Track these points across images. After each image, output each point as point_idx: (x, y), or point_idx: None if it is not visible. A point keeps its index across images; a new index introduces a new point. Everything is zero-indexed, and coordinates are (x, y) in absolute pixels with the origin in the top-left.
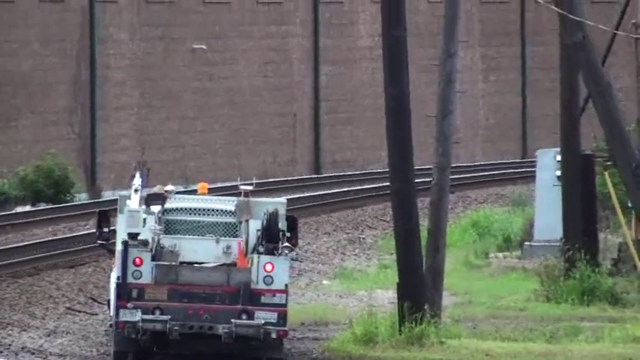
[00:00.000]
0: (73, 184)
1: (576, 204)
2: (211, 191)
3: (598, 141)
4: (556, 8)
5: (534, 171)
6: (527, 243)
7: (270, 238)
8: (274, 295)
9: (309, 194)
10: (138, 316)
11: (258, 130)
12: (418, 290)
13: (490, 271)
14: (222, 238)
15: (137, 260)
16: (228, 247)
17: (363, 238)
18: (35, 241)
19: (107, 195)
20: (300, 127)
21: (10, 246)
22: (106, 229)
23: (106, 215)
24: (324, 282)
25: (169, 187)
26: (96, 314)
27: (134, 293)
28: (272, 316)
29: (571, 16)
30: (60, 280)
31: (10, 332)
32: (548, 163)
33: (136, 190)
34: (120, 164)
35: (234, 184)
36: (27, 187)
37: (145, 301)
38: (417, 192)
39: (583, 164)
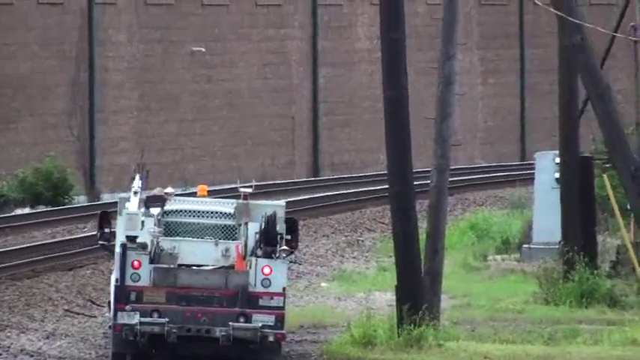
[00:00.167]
0: (71, 186)
1: (575, 206)
2: (211, 194)
3: (597, 143)
4: (555, 10)
5: (533, 173)
6: (525, 245)
7: (268, 241)
8: (272, 298)
9: (307, 197)
10: (136, 318)
11: (256, 133)
12: (417, 293)
13: (489, 274)
14: (221, 240)
15: (135, 263)
16: (227, 250)
17: (362, 241)
18: (34, 244)
19: (106, 198)
20: (298, 130)
21: (9, 248)
22: (107, 230)
23: (107, 216)
24: (323, 284)
25: (169, 190)
26: (95, 317)
27: (132, 296)
28: (270, 319)
29: (570, 19)
30: (59, 283)
31: (8, 334)
32: (547, 165)
33: (135, 193)
34: (119, 167)
35: (233, 186)
36: (26, 190)
37: (144, 303)
38: (415, 194)
39: (582, 167)
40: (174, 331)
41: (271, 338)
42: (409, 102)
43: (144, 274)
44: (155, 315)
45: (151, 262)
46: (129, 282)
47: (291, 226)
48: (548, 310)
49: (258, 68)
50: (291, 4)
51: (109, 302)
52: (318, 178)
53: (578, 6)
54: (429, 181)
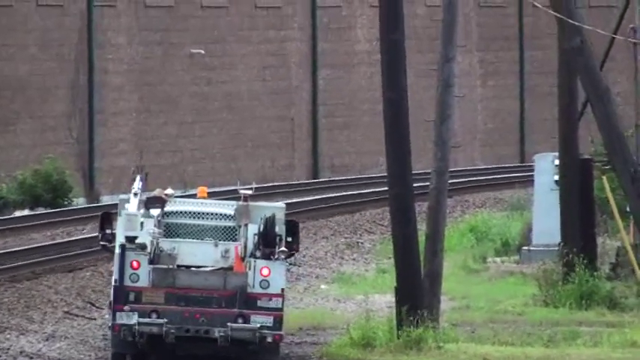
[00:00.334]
0: (71, 188)
1: (574, 208)
2: (210, 196)
3: (596, 145)
4: (554, 13)
5: (532, 175)
6: (525, 247)
7: (267, 243)
8: (270, 299)
9: (307, 199)
10: (134, 319)
11: (256, 135)
12: (416, 294)
13: (488, 276)
14: (221, 242)
15: (134, 263)
16: (227, 251)
17: (362, 243)
18: (33, 246)
19: (105, 199)
20: (298, 132)
21: (8, 250)
22: (108, 231)
23: (109, 218)
24: (322, 286)
25: (169, 191)
26: (94, 319)
27: (131, 296)
28: (268, 320)
29: (569, 21)
30: (58, 285)
31: (8, 336)
32: (547, 167)
33: (135, 194)
34: (118, 169)
35: (232, 188)
36: (25, 192)
37: (142, 304)
38: (415, 196)
39: (581, 169)
40: (172, 331)
41: (269, 339)
42: (408, 104)
43: (143, 274)
44: (154, 315)
45: (151, 262)
46: (128, 282)
47: (292, 229)
48: (547, 312)
49: (257, 70)
50: (291, 5)
51: (110, 303)
52: (317, 180)
53: (578, 8)
54: (428, 183)
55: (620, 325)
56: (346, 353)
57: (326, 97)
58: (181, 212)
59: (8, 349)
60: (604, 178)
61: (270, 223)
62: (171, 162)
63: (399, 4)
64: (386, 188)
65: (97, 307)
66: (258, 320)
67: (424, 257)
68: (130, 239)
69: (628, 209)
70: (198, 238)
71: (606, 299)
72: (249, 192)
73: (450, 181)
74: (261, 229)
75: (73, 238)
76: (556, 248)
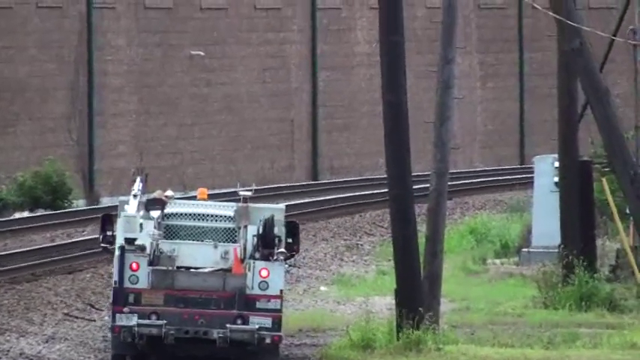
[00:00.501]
0: (70, 190)
1: (574, 210)
2: (211, 197)
3: (596, 147)
4: (554, 14)
5: (532, 177)
6: (524, 249)
7: (266, 244)
8: (269, 301)
9: (307, 200)
10: (134, 320)
11: (256, 137)
12: (416, 296)
13: (488, 277)
14: (221, 243)
15: (134, 265)
16: (226, 253)
17: (361, 245)
18: (33, 247)
19: (105, 201)
20: (297, 134)
21: (8, 252)
22: (109, 233)
23: (110, 219)
24: (322, 288)
25: (169, 193)
26: (94, 320)
27: (131, 298)
28: (266, 322)
29: (569, 23)
30: (58, 286)
31: (8, 338)
32: (546, 169)
33: (134, 196)
34: (118, 170)
35: (232, 190)
36: (25, 194)
37: (142, 305)
38: (414, 198)
39: (581, 170)
40: (171, 332)
41: (268, 340)
42: (408, 105)
43: (142, 276)
44: (153, 317)
45: (150, 264)
46: (127, 284)
47: (292, 230)
48: (547, 313)
49: (257, 72)
50: (290, 7)
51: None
52: (317, 182)
53: (577, 10)
54: (428, 185)
55: (620, 327)
56: (346, 355)
57: (326, 98)
58: (181, 214)
59: (8, 350)
60: (604, 179)
61: (269, 224)
62: (171, 164)
63: (398, 6)
64: (385, 190)
65: (97, 309)
66: (256, 321)
67: (424, 259)
68: (130, 241)
69: (628, 211)
70: (198, 240)
71: (606, 301)
72: (249, 194)
73: (449, 183)
74: (260, 231)
75: (73, 240)
76: (556, 250)
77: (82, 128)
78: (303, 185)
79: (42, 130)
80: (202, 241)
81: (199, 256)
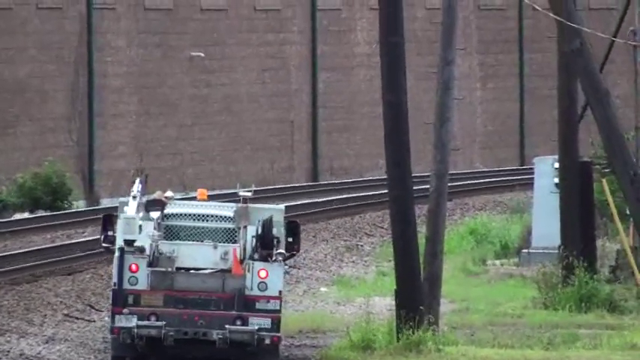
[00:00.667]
0: (70, 191)
1: (574, 211)
2: (210, 198)
3: (596, 148)
4: (554, 15)
5: (532, 178)
6: (524, 250)
7: (265, 245)
8: (268, 302)
9: (307, 201)
10: (133, 321)
11: (255, 138)
12: (416, 297)
13: (488, 278)
14: (220, 244)
15: (133, 266)
16: (226, 253)
17: (361, 246)
18: (33, 248)
19: (105, 202)
20: (297, 134)
21: (8, 253)
22: (110, 233)
23: (111, 219)
24: (322, 289)
25: (169, 194)
26: (94, 321)
27: (130, 299)
28: (266, 322)
29: (569, 24)
30: (58, 287)
31: (8, 339)
32: (546, 170)
33: (134, 197)
34: (118, 171)
35: (232, 191)
36: (25, 195)
37: (141, 306)
38: (414, 199)
39: (581, 171)
40: (171, 334)
41: (267, 341)
42: (408, 106)
43: (141, 277)
44: (152, 318)
45: (150, 265)
46: (127, 285)
47: (293, 229)
48: (547, 314)
49: (257, 73)
50: (290, 8)
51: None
52: (317, 183)
53: (578, 11)
54: (428, 186)
55: (620, 328)
56: (346, 356)
57: (325, 99)
58: (181, 214)
59: (8, 351)
60: (604, 180)
61: (267, 225)
62: (170, 164)
63: (398, 7)
64: (385, 191)
65: (97, 310)
66: (256, 322)
67: (424, 260)
68: (129, 242)
69: (628, 212)
70: (198, 241)
71: (606, 302)
72: (249, 194)
73: (449, 184)
74: (259, 232)
75: (73, 241)
76: (556, 251)
77: (82, 129)
78: (303, 186)
79: (42, 131)
80: (202, 241)
81: (199, 256)
